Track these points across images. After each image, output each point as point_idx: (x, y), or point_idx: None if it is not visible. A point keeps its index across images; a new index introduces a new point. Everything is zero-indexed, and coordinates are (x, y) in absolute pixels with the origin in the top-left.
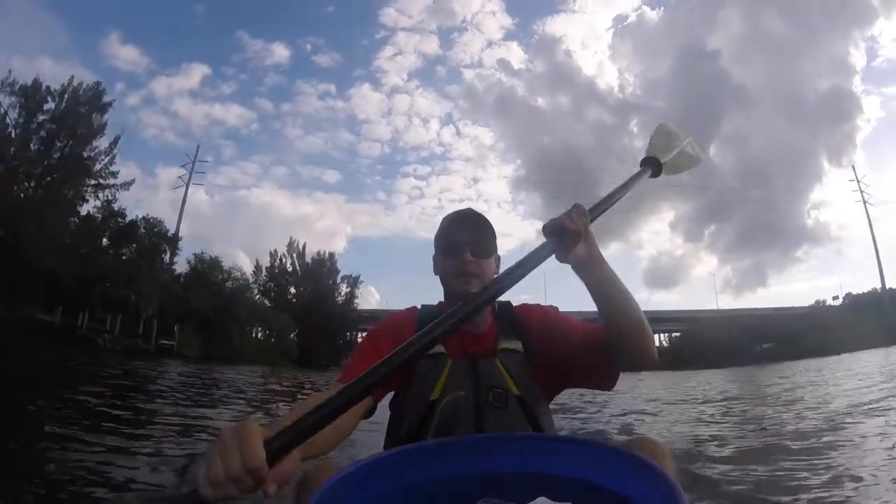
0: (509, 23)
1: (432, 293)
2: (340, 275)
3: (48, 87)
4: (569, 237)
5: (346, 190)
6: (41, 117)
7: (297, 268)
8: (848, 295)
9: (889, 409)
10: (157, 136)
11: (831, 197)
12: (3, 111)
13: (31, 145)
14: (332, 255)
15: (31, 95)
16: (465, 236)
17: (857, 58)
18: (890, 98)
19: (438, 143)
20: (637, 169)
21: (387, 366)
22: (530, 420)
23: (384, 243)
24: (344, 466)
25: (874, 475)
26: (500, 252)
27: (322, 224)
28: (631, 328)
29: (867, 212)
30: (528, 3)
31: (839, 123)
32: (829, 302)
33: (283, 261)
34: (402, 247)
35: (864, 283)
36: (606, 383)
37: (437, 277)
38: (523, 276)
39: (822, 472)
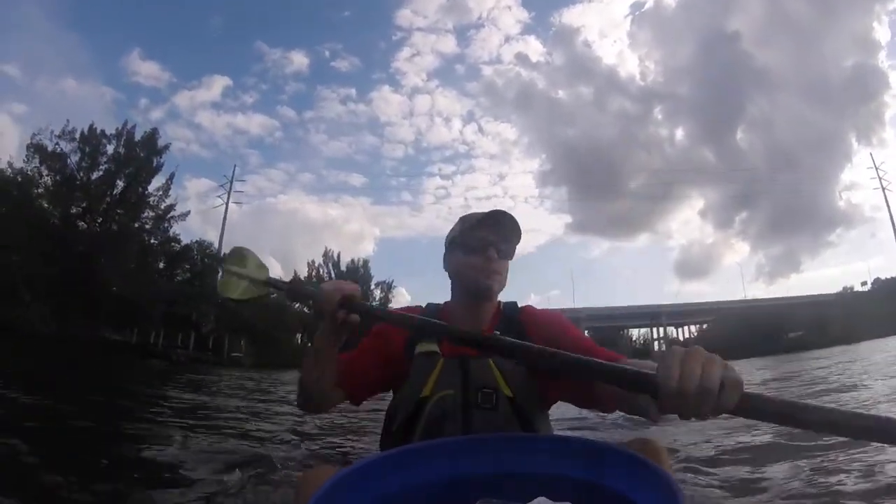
0: (526, 16)
1: None
2: (374, 281)
3: (103, 131)
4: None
5: (372, 193)
6: (101, 160)
7: (333, 276)
8: (876, 280)
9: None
10: (182, 148)
11: (862, 177)
12: (67, 157)
13: (92, 186)
14: (366, 262)
15: (89, 140)
16: (493, 235)
17: (881, 33)
18: None
19: (462, 142)
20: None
21: (397, 320)
22: (521, 422)
23: (412, 244)
24: (344, 466)
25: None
26: (529, 248)
27: (350, 228)
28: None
29: (886, 198)
30: None
31: (866, 101)
32: (858, 287)
33: (320, 270)
34: (430, 246)
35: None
36: (602, 408)
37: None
38: (562, 370)
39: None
